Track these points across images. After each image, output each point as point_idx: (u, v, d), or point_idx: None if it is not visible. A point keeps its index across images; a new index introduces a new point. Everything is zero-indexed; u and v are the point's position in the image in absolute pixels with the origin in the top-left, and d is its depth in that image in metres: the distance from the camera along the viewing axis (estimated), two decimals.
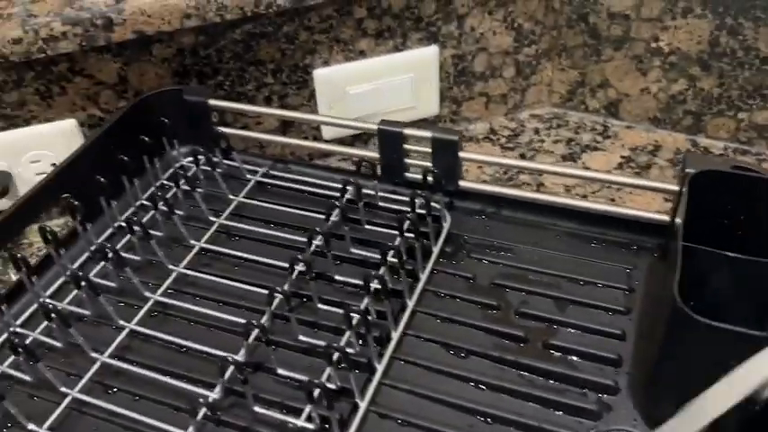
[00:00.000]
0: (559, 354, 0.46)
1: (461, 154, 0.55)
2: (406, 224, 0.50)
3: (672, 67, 0.69)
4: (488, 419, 0.43)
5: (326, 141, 0.71)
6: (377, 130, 0.56)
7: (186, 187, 0.57)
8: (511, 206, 0.57)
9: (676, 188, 0.48)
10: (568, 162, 0.70)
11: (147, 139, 0.59)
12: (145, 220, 0.55)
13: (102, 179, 0.54)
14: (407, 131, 0.56)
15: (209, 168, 0.59)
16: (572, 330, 0.48)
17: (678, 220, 0.44)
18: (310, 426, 0.40)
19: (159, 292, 0.51)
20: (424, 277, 0.51)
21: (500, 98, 0.76)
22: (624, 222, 0.53)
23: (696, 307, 0.36)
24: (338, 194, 0.55)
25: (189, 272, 0.53)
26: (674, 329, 0.38)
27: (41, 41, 0.56)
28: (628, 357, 0.45)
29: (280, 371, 0.44)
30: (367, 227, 0.55)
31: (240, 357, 0.44)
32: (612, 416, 0.42)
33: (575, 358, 0.46)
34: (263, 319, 0.46)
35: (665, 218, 0.51)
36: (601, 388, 0.44)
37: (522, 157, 0.72)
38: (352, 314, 0.43)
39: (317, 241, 0.51)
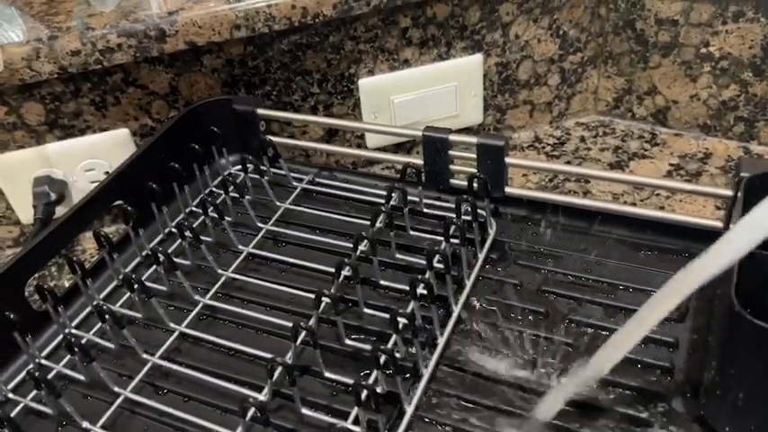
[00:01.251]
0: None
1: (508, 160, 0.55)
2: (452, 230, 0.50)
3: (723, 73, 0.68)
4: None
5: (370, 150, 0.72)
6: (422, 137, 0.56)
7: (235, 194, 0.58)
8: (557, 213, 0.56)
9: (730, 193, 0.46)
10: (616, 170, 0.69)
11: (197, 147, 0.60)
12: (195, 225, 0.56)
13: (154, 186, 0.56)
14: (453, 137, 0.56)
15: (256, 176, 0.60)
16: None
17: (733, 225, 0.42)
18: (357, 429, 0.40)
19: (208, 296, 0.52)
20: (469, 283, 0.51)
21: (545, 106, 0.76)
22: (676, 229, 0.52)
23: (755, 313, 0.35)
24: (383, 201, 0.55)
25: (237, 276, 0.53)
26: (732, 335, 0.36)
27: (98, 53, 0.58)
28: (680, 366, 0.44)
29: (327, 374, 0.44)
30: (412, 233, 0.55)
31: (288, 360, 0.45)
32: (665, 425, 0.41)
33: (625, 365, 0.45)
34: (311, 322, 0.47)
35: (719, 224, 0.50)
36: (652, 396, 0.43)
37: (569, 165, 0.71)
38: (398, 318, 0.43)
39: (363, 246, 0.52)
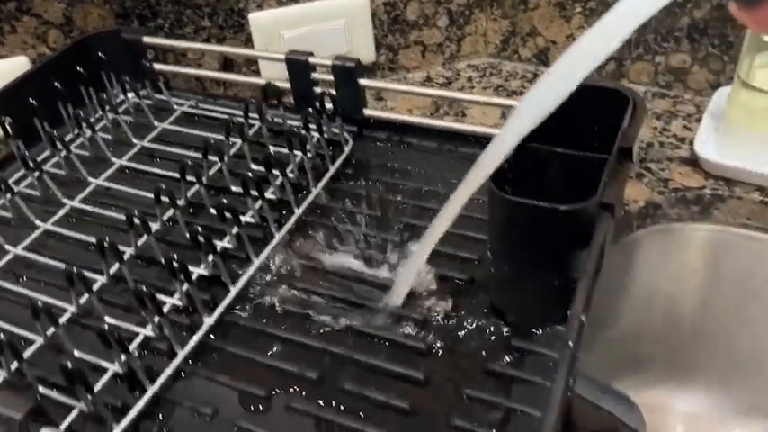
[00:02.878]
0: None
1: (361, 81, 0.59)
2: (302, 145, 0.55)
3: (592, 13, 0.72)
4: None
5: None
6: (285, 60, 0.61)
7: (112, 115, 0.62)
8: (413, 133, 0.61)
9: (513, 102, 0.50)
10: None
11: (83, 72, 0.64)
12: (77, 143, 0.61)
13: (36, 103, 0.60)
14: (312, 60, 0.60)
15: (139, 101, 0.64)
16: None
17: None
18: (152, 334, 0.45)
19: (77, 199, 0.56)
20: (315, 191, 0.55)
21: (436, 47, 0.80)
22: None
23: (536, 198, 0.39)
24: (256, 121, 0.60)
25: (108, 185, 0.58)
26: (493, 212, 0.41)
27: None
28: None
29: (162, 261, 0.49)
30: (272, 149, 0.59)
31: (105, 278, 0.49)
32: (467, 307, 0.46)
33: (442, 260, 0.49)
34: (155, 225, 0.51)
35: None
36: (459, 282, 0.47)
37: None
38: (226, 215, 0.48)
39: (216, 157, 0.56)
